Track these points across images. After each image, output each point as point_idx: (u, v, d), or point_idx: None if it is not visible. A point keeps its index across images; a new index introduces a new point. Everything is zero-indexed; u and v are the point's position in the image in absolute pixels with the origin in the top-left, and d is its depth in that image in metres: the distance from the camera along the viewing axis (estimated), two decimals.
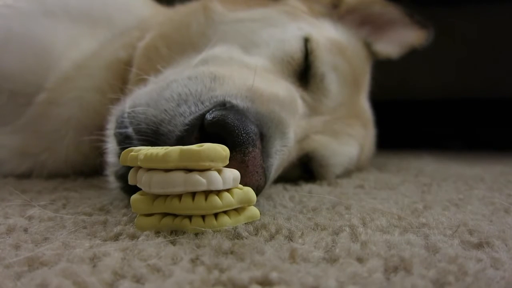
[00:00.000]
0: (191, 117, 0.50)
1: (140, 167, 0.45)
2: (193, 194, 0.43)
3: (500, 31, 1.88)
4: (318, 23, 0.85)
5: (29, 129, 0.79)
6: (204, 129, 0.48)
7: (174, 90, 0.54)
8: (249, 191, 0.46)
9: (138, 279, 0.32)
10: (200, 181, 0.41)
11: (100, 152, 0.61)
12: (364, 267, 0.34)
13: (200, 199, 0.42)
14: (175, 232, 0.43)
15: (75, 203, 0.58)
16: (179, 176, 0.41)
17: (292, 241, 0.42)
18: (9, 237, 0.43)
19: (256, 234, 0.43)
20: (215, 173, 0.42)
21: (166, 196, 0.44)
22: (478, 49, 1.91)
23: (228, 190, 0.44)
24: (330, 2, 0.92)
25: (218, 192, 0.43)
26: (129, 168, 0.52)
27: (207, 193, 0.43)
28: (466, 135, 1.96)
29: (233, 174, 0.44)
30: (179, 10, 0.89)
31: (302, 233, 0.44)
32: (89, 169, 0.80)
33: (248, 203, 0.46)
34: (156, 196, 0.44)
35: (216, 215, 0.44)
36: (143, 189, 0.44)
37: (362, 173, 0.91)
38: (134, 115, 0.53)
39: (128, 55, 0.80)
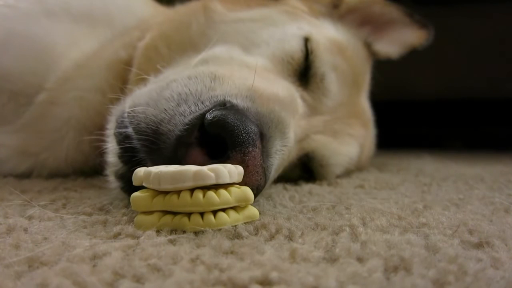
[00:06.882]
0: (191, 116, 0.50)
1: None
2: (192, 192, 0.43)
3: (500, 31, 1.88)
4: (318, 23, 0.85)
5: (30, 129, 0.79)
6: (204, 128, 0.48)
7: (174, 90, 0.54)
8: (247, 190, 0.46)
9: (138, 279, 0.32)
10: (208, 175, 0.42)
11: (100, 152, 0.61)
12: (364, 267, 0.34)
13: (198, 196, 0.42)
14: (175, 232, 0.43)
15: (75, 203, 0.58)
16: (189, 171, 0.42)
17: (292, 241, 0.42)
18: (9, 237, 0.43)
19: (256, 234, 0.43)
20: (222, 167, 0.43)
21: (165, 193, 0.44)
22: (478, 49, 1.91)
23: (226, 188, 0.44)
24: (330, 2, 0.92)
25: (216, 190, 0.44)
26: (129, 168, 0.52)
27: (205, 190, 0.43)
28: (466, 135, 1.96)
29: (237, 169, 0.46)
30: (179, 10, 0.89)
31: (302, 233, 0.44)
32: (89, 169, 0.80)
33: (246, 201, 0.46)
34: (156, 194, 0.44)
35: (215, 214, 0.44)
36: (151, 186, 0.44)
37: (362, 173, 0.91)
38: (134, 114, 0.53)
39: (128, 55, 0.80)
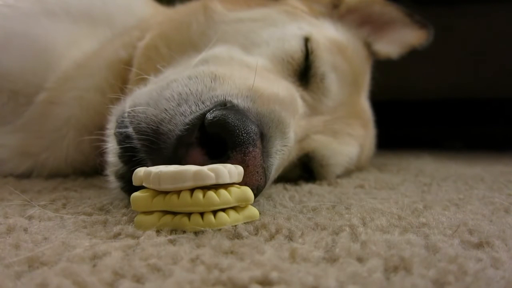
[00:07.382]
0: (192, 116, 0.50)
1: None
2: (192, 192, 0.43)
3: (500, 31, 1.88)
4: (318, 23, 0.85)
5: (30, 129, 0.79)
6: (205, 128, 0.48)
7: (175, 90, 0.54)
8: (247, 190, 0.46)
9: (138, 279, 0.32)
10: (208, 175, 0.42)
11: (100, 152, 0.61)
12: (364, 267, 0.34)
13: (198, 196, 0.42)
14: (175, 232, 0.43)
15: (75, 203, 0.58)
16: (189, 171, 0.42)
17: (292, 241, 0.42)
18: (9, 237, 0.43)
19: (256, 234, 0.43)
20: (222, 167, 0.43)
21: (165, 193, 0.44)
22: (478, 49, 1.91)
23: (226, 188, 0.45)
24: (330, 2, 0.92)
25: (216, 190, 0.44)
26: (129, 168, 0.52)
27: (205, 190, 0.43)
28: (466, 135, 1.96)
29: (238, 169, 0.46)
30: (179, 10, 0.89)
31: (302, 233, 0.44)
32: (89, 169, 0.80)
33: (246, 201, 0.46)
34: (156, 194, 0.45)
35: (215, 214, 0.44)
36: (151, 186, 0.44)
37: (362, 173, 0.91)
38: (134, 114, 0.53)
39: (128, 55, 0.80)
